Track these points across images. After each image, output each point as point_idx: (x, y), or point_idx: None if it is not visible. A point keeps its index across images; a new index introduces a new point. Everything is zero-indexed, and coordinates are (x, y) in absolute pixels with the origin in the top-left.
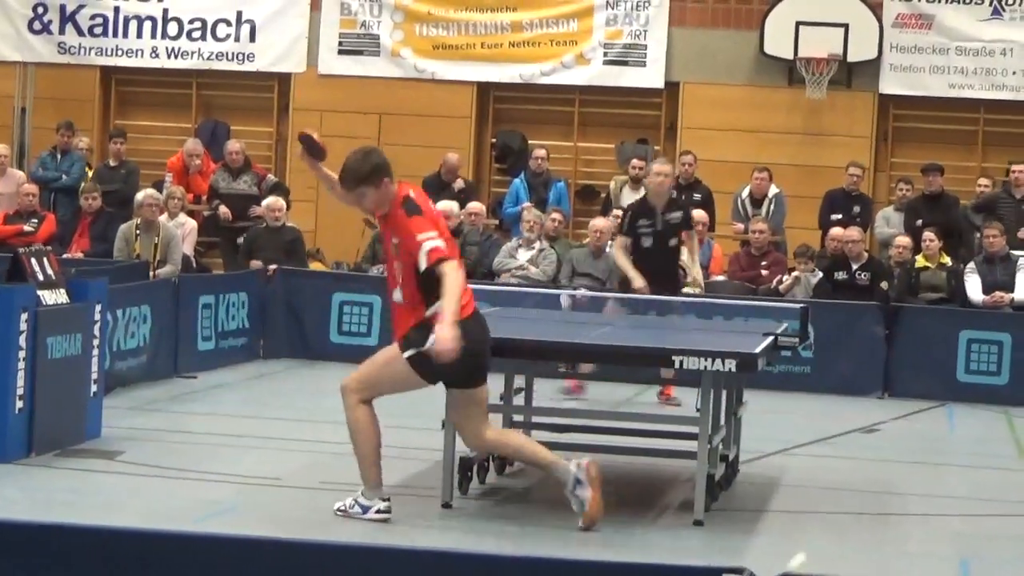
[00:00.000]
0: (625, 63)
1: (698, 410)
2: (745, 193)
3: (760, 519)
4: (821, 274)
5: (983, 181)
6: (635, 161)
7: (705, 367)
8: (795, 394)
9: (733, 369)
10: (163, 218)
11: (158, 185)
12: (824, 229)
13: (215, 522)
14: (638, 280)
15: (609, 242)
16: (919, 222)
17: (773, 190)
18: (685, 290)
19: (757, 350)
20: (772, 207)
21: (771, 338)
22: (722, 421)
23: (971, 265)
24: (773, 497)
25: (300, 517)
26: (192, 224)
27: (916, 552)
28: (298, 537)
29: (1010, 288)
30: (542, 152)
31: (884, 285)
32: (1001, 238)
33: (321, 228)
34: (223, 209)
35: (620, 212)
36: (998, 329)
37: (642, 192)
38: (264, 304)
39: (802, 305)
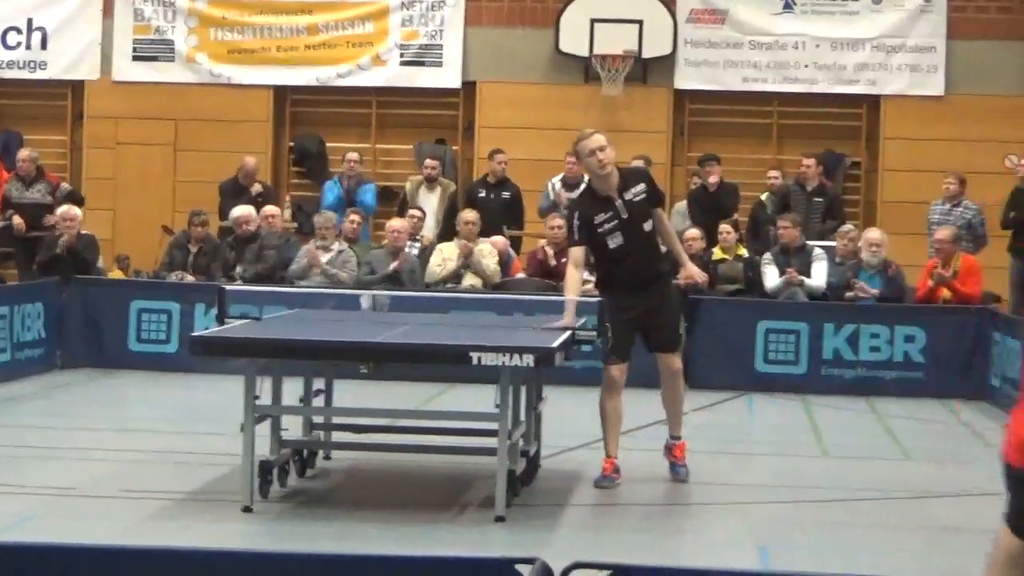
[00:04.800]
0: (422, 64)
1: (497, 406)
2: (558, 180)
3: (562, 512)
4: None
5: (772, 173)
6: (428, 161)
7: (503, 363)
8: (596, 389)
9: (531, 364)
10: None
11: None
12: None
13: (14, 533)
14: (569, 316)
15: (409, 243)
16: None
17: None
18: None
19: (555, 345)
20: None
21: (569, 333)
22: (522, 417)
23: (767, 256)
24: (575, 491)
25: (99, 526)
26: None
27: (716, 540)
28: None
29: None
30: (354, 155)
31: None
32: (794, 229)
33: (118, 236)
34: (16, 219)
35: (419, 212)
36: (795, 319)
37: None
38: (61, 314)
39: (599, 300)
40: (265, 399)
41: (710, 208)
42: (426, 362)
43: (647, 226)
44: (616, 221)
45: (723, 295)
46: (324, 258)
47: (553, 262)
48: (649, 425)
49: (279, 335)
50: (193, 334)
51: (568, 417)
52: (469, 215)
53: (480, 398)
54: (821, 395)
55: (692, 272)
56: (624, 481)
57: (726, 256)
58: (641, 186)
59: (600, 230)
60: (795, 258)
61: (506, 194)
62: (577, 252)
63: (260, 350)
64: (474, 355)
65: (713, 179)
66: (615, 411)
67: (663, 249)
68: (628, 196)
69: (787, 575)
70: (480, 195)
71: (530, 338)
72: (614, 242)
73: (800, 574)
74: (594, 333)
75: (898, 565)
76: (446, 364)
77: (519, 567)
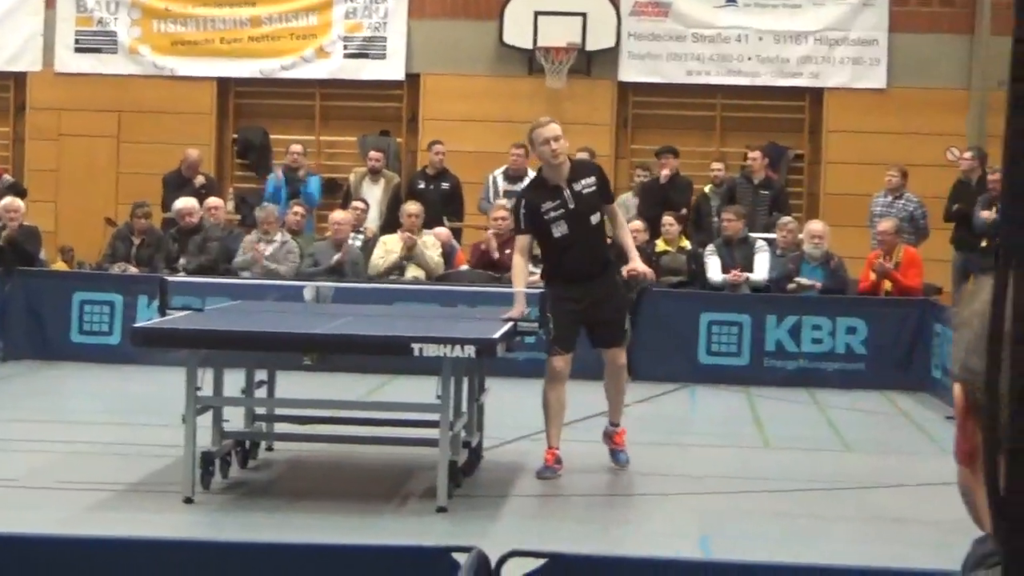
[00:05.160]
0: (366, 56)
1: (439, 397)
2: (500, 173)
3: (503, 503)
4: None
5: (716, 165)
6: (372, 153)
7: (444, 354)
8: (539, 380)
9: (472, 355)
10: None
11: None
12: None
13: None
14: (519, 304)
15: (352, 235)
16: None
17: (532, 172)
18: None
19: (496, 336)
20: None
21: (510, 324)
22: (464, 408)
23: (710, 247)
24: (516, 482)
25: (39, 517)
26: None
27: (657, 530)
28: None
29: (749, 270)
30: (298, 147)
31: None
32: (738, 222)
33: (61, 228)
34: None
35: (362, 204)
36: (738, 311)
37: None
38: (3, 305)
39: (541, 291)
40: (207, 390)
41: (660, 200)
42: (367, 353)
43: (594, 218)
44: (562, 210)
45: (666, 287)
46: (267, 250)
47: (496, 254)
48: (591, 416)
49: (220, 326)
50: (134, 325)
51: (511, 408)
52: (412, 207)
53: (423, 389)
54: (763, 386)
55: (638, 267)
56: (567, 472)
57: (669, 248)
58: (592, 179)
59: (546, 218)
60: (737, 250)
61: (445, 185)
62: (522, 240)
63: (201, 341)
64: (415, 346)
65: (665, 172)
66: (558, 402)
67: (610, 243)
68: (577, 187)
69: (724, 564)
70: (420, 187)
71: (471, 329)
72: (559, 231)
73: (738, 563)
74: (536, 324)
75: (839, 555)
76: (388, 355)
77: (456, 556)
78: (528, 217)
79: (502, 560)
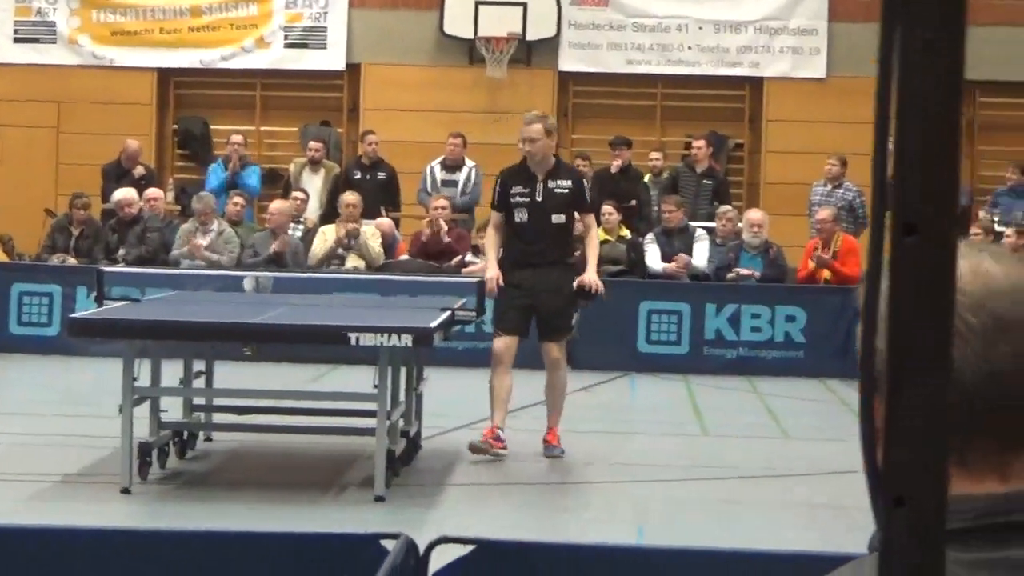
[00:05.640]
0: (306, 46)
1: (376, 387)
2: (437, 164)
3: (441, 492)
4: None
5: (655, 155)
6: (312, 143)
7: (381, 343)
8: (481, 370)
9: (409, 344)
10: None
11: None
12: None
13: None
14: (490, 270)
15: (292, 225)
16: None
17: (469, 162)
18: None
19: (432, 325)
20: (471, 180)
21: (447, 313)
22: (402, 397)
23: (650, 236)
24: (455, 470)
25: None
26: None
27: (594, 518)
28: None
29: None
30: (239, 138)
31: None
32: (678, 212)
33: (0, 218)
34: None
35: (301, 194)
36: (677, 299)
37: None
38: None
39: (478, 280)
40: (144, 381)
41: (611, 191)
42: (303, 342)
43: (556, 218)
44: (528, 199)
45: (606, 276)
46: (205, 240)
47: (446, 239)
48: (534, 405)
49: (155, 316)
50: (70, 316)
51: (451, 398)
52: (350, 197)
53: (362, 379)
54: (703, 375)
55: (587, 279)
56: (506, 460)
57: (609, 238)
58: (569, 183)
59: (511, 200)
60: (677, 239)
61: (381, 175)
62: (494, 216)
63: (136, 331)
64: (352, 335)
65: (617, 163)
66: (501, 387)
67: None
68: (551, 184)
69: (649, 549)
70: (356, 177)
71: (408, 318)
72: (519, 216)
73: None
74: (474, 313)
75: (776, 542)
76: (324, 344)
77: (384, 543)
78: (500, 195)
79: (430, 547)
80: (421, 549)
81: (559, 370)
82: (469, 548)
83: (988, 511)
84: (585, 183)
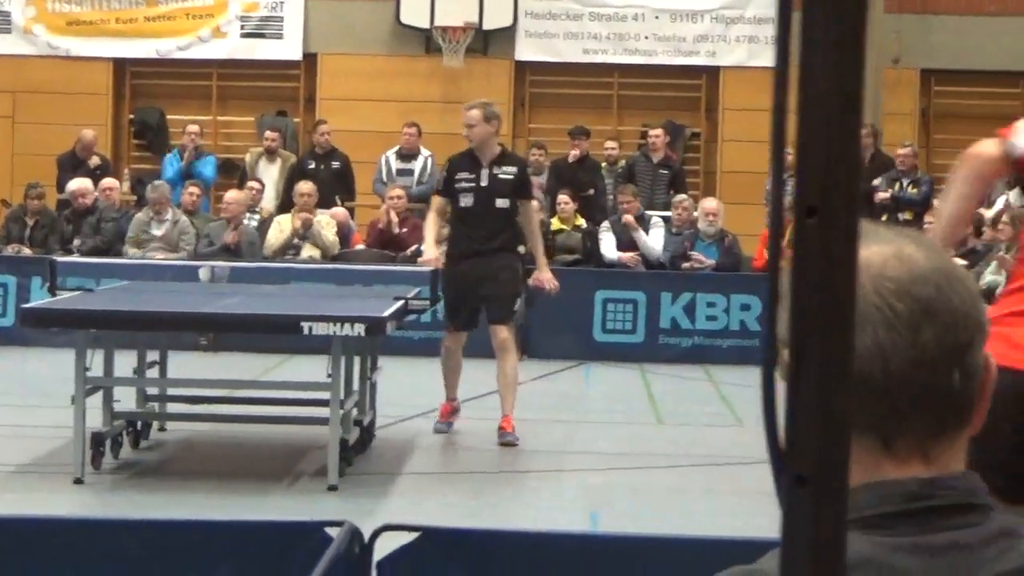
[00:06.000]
0: (262, 36)
1: (329, 376)
2: (393, 153)
3: (395, 481)
4: None
5: (610, 144)
6: (268, 133)
7: (334, 332)
8: (437, 359)
9: (362, 333)
10: None
11: None
12: None
13: None
14: (428, 251)
15: (248, 214)
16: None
17: (425, 152)
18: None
19: (385, 314)
20: (426, 169)
21: (401, 302)
22: (356, 386)
23: (605, 224)
24: (409, 459)
25: None
26: None
27: (548, 506)
28: None
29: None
30: (194, 128)
31: (521, 249)
32: (635, 202)
33: None
34: None
35: (257, 184)
36: (632, 288)
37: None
38: None
39: (432, 270)
40: (97, 371)
41: (568, 181)
42: (257, 332)
43: (500, 203)
44: (473, 185)
45: (561, 265)
46: (159, 230)
47: (397, 229)
48: (488, 394)
49: (108, 306)
50: (24, 306)
51: (405, 387)
52: (304, 187)
53: (318, 368)
54: (658, 364)
55: (543, 277)
56: (460, 449)
57: (564, 227)
58: (513, 169)
59: (457, 186)
60: (635, 232)
61: (336, 164)
62: (436, 200)
63: (89, 321)
64: (305, 325)
65: (575, 152)
66: (449, 364)
67: (522, 241)
68: (496, 170)
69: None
70: (310, 167)
71: (362, 307)
72: (465, 201)
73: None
74: (428, 303)
75: (730, 529)
76: (277, 334)
77: (329, 531)
78: (445, 180)
79: (375, 535)
80: (367, 537)
81: (509, 354)
82: (414, 535)
83: (913, 495)
84: (529, 170)
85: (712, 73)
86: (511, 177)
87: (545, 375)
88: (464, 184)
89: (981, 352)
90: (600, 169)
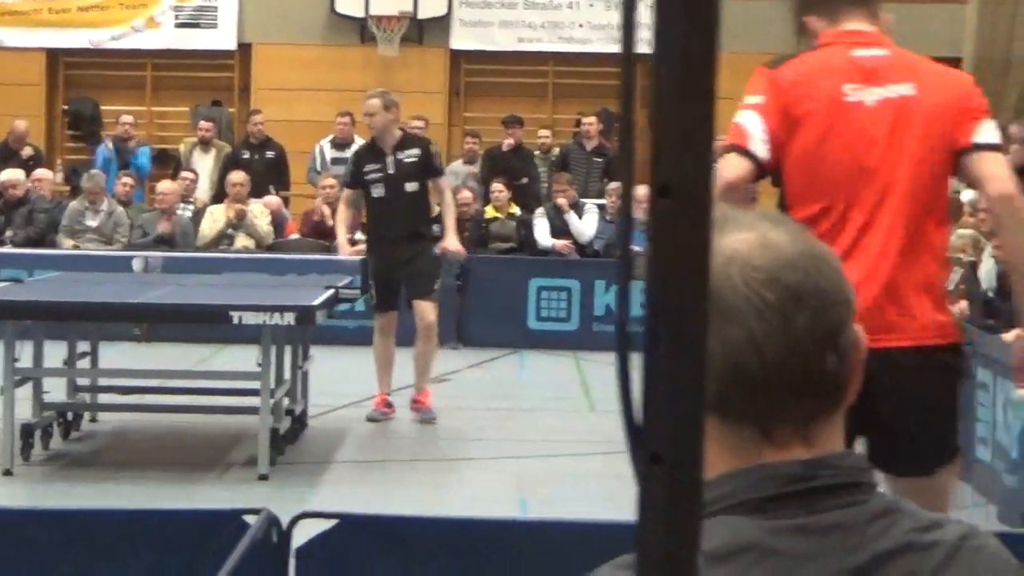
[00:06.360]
0: (197, 26)
1: (259, 365)
2: (327, 142)
3: (326, 470)
4: None
5: (543, 132)
6: (203, 123)
7: (264, 321)
8: (370, 347)
9: (292, 322)
10: None
11: None
12: None
13: None
14: (343, 246)
15: (181, 205)
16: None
17: (360, 141)
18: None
19: (315, 303)
20: None
21: (331, 291)
22: (287, 376)
23: (539, 211)
24: (341, 448)
25: None
26: None
27: (477, 493)
28: None
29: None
30: (128, 118)
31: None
32: (570, 190)
33: None
34: None
35: (191, 174)
36: (566, 276)
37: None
38: None
39: (362, 259)
40: (27, 362)
41: (502, 169)
42: (186, 322)
43: (410, 187)
44: (381, 174)
45: (495, 254)
46: (94, 221)
47: (330, 221)
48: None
49: (38, 296)
50: None
51: (339, 376)
52: (237, 177)
53: (251, 358)
54: (592, 351)
55: (449, 245)
56: (392, 437)
57: (498, 215)
58: (416, 151)
59: (366, 178)
60: (567, 214)
61: (270, 154)
62: (346, 193)
63: (17, 312)
64: (234, 314)
65: (509, 141)
66: (382, 354)
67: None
68: (400, 156)
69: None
70: (244, 157)
71: (292, 296)
72: (376, 191)
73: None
74: (359, 292)
75: None
76: (206, 324)
77: (247, 518)
78: (353, 174)
79: (293, 522)
80: (286, 524)
81: (432, 335)
82: (332, 523)
83: (796, 477)
84: (432, 149)
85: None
86: (415, 160)
87: (479, 363)
88: (373, 175)
89: (851, 330)
90: (534, 157)
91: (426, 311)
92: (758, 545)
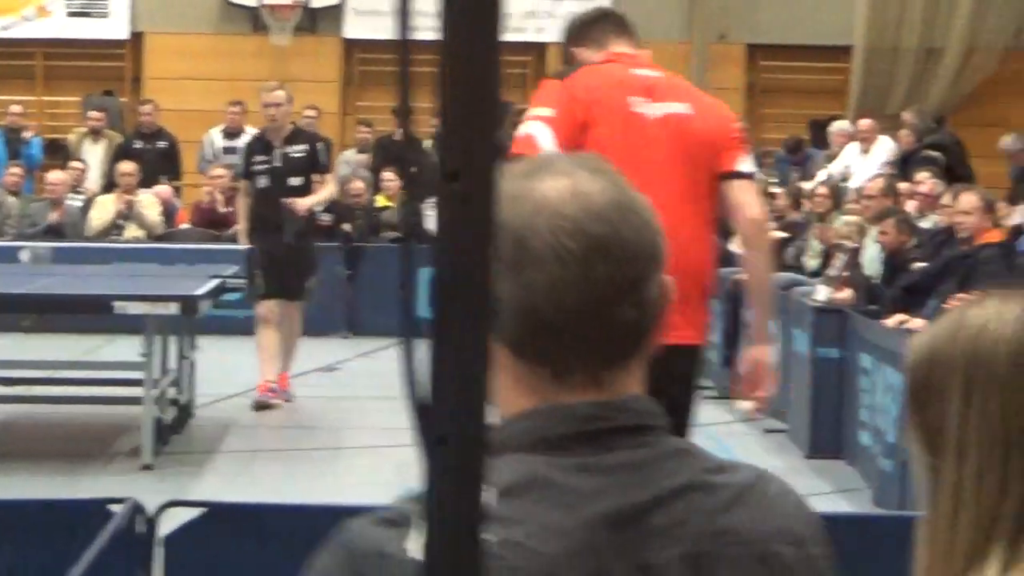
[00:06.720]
0: (88, 15)
1: (143, 355)
2: (218, 132)
3: (211, 460)
4: None
5: (433, 121)
6: (92, 113)
7: (146, 311)
8: None
9: (175, 312)
10: None
11: None
12: None
13: None
14: (243, 237)
15: (71, 195)
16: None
17: (251, 130)
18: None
19: (199, 292)
20: None
21: (217, 281)
22: (172, 365)
23: (430, 201)
24: (227, 438)
25: None
26: None
27: (360, 481)
28: None
29: None
30: (17, 108)
31: (347, 226)
32: None
33: None
34: None
35: (80, 164)
36: None
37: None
38: None
39: (248, 248)
40: None
41: (395, 158)
42: (68, 312)
43: (294, 181)
44: (268, 166)
45: (386, 242)
46: None
47: (222, 209)
48: (305, 373)
49: None
50: None
51: (227, 366)
52: (125, 167)
53: (138, 349)
54: None
55: (296, 201)
56: (278, 428)
57: (390, 204)
58: (304, 147)
59: (252, 168)
60: None
61: (162, 144)
62: (244, 184)
63: None
64: (116, 304)
65: (400, 130)
66: (269, 343)
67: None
68: (287, 150)
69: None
70: (136, 147)
71: (175, 286)
72: (261, 182)
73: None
74: (244, 281)
75: None
76: (89, 314)
77: (112, 507)
78: (244, 165)
79: (159, 511)
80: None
81: (296, 328)
82: (199, 511)
83: (587, 418)
84: (320, 146)
85: (539, 49)
86: (303, 155)
87: (370, 352)
88: (260, 167)
89: (656, 282)
90: (423, 147)
91: (292, 312)
92: (544, 479)
